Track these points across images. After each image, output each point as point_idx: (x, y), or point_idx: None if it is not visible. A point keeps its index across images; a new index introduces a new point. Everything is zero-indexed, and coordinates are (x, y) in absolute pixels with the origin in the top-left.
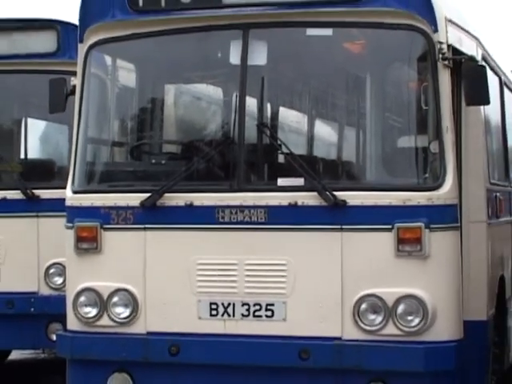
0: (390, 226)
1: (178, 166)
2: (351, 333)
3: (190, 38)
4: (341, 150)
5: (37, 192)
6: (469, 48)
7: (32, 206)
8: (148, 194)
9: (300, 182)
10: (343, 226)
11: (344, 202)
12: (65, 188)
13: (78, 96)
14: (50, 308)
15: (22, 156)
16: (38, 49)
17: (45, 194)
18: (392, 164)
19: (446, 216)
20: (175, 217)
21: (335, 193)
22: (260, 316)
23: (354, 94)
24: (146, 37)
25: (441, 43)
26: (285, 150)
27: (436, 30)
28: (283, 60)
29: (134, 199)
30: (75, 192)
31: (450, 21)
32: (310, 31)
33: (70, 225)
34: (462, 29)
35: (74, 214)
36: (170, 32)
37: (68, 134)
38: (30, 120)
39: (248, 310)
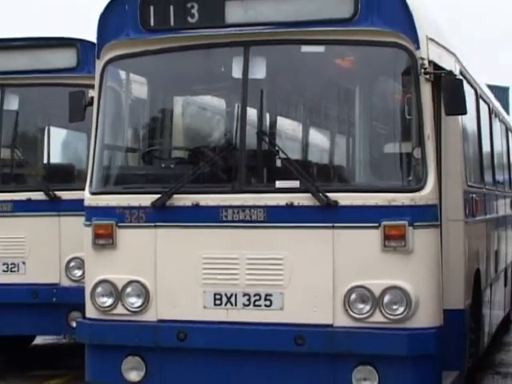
0: (377, 224)
1: (185, 169)
2: (342, 320)
3: (197, 54)
4: (332, 155)
5: (58, 193)
6: (448, 63)
7: (54, 206)
8: (158, 195)
9: (296, 184)
10: (335, 224)
11: (335, 202)
12: (83, 190)
13: (96, 107)
14: (70, 298)
15: (45, 161)
16: (59, 64)
17: (65, 195)
18: (379, 168)
19: (428, 215)
20: (183, 216)
21: (327, 194)
22: (259, 305)
23: (345, 104)
24: (157, 53)
25: (422, 59)
26: (282, 155)
27: (418, 48)
28: (280, 74)
29: (146, 200)
30: (93, 193)
31: (431, 39)
32: (305, 48)
33: (88, 223)
34: (442, 46)
35: (92, 213)
36: (178, 49)
37: (86, 141)
38: (52, 128)
39: (249, 300)
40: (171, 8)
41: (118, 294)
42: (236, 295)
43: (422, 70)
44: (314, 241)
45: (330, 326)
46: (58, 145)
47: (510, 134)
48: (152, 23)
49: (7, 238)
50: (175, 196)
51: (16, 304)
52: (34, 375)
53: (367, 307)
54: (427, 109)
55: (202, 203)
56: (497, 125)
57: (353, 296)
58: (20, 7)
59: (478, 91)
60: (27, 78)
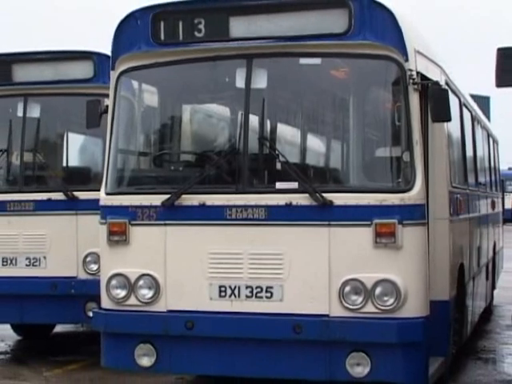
0: (369, 222)
1: (192, 172)
2: (337, 311)
3: (203, 66)
4: (328, 159)
5: (76, 194)
6: (434, 74)
7: (72, 206)
8: (168, 196)
9: (294, 185)
10: (330, 222)
11: (331, 202)
12: (99, 190)
13: (110, 114)
14: (87, 290)
15: (64, 164)
16: (77, 75)
17: (82, 195)
18: (371, 170)
19: (416, 214)
20: (190, 214)
21: (324, 194)
22: (261, 297)
23: (339, 112)
24: (167, 65)
25: (411, 70)
26: (281, 158)
27: (407, 60)
28: (280, 84)
29: (156, 200)
30: (108, 194)
31: (419, 52)
32: (303, 60)
33: (104, 221)
34: (429, 58)
35: (107, 212)
36: (186, 61)
37: (102, 146)
38: (70, 134)
39: (251, 292)
40: (180, 23)
41: (130, 287)
42: (239, 287)
43: (411, 81)
44: (311, 237)
45: (326, 315)
46: (75, 149)
47: (490, 139)
48: (162, 37)
49: (30, 234)
50: (183, 196)
51: (38, 295)
52: (54, 360)
53: (360, 299)
54: (415, 116)
55: (208, 203)
56: (479, 131)
57: (347, 288)
58: (42, 23)
59: (462, 100)
60: (48, 87)
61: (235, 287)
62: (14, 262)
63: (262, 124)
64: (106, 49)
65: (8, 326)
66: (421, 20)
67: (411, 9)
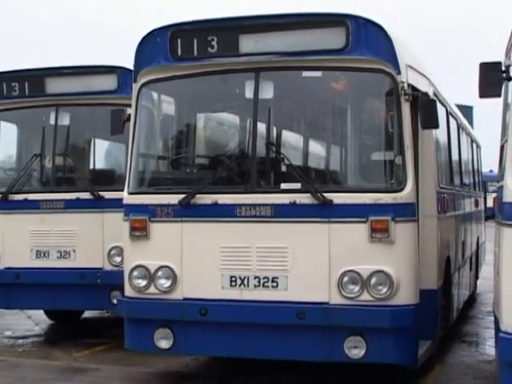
0: (365, 219)
1: (206, 174)
2: (336, 299)
3: (216, 79)
4: (328, 162)
5: (102, 193)
6: (423, 86)
7: (98, 204)
8: (184, 195)
9: (298, 186)
10: (330, 219)
11: (331, 201)
12: (122, 190)
13: (132, 122)
14: (111, 280)
15: (91, 167)
16: (103, 87)
17: (108, 195)
18: (367, 172)
19: (407, 211)
20: (204, 212)
21: (324, 194)
22: (268, 286)
23: (338, 120)
24: (183, 78)
25: (403, 83)
26: (286, 161)
27: (399, 73)
28: (285, 95)
29: (174, 199)
30: (130, 193)
31: (410, 66)
32: (305, 73)
33: (126, 218)
34: (418, 72)
35: (129, 210)
36: (200, 74)
37: (125, 151)
38: (97, 140)
39: (259, 281)
40: (195, 40)
41: (150, 277)
42: (248, 278)
43: (403, 92)
44: (313, 233)
45: (326, 303)
46: (101, 153)
47: (474, 144)
48: (179, 53)
49: (60, 230)
50: (198, 196)
51: (68, 284)
52: (82, 343)
53: (357, 288)
54: (407, 124)
55: (220, 202)
56: (463, 137)
57: (345, 278)
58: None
59: (448, 109)
60: (77, 98)
61: (244, 277)
62: (46, 254)
63: (268, 130)
64: (129, 64)
65: (42, 312)
66: (411, 36)
67: (401, 26)
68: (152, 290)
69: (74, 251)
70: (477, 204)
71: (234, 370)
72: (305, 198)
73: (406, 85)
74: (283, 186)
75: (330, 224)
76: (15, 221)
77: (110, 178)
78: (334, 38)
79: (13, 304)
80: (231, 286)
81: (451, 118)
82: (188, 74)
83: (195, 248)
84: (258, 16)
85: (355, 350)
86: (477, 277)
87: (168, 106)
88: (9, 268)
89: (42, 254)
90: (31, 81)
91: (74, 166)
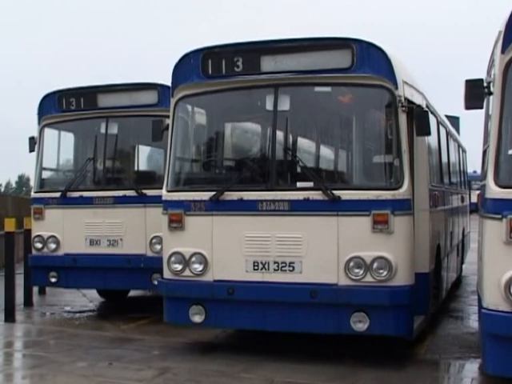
0: (368, 213)
1: (232, 174)
2: (343, 280)
3: (241, 93)
4: (336, 164)
5: (144, 191)
6: (417, 99)
7: (141, 200)
8: (214, 193)
9: (311, 184)
10: (338, 213)
11: (339, 197)
12: (162, 188)
13: (170, 131)
14: (153, 264)
15: (136, 168)
16: (145, 101)
17: (149, 192)
18: (369, 173)
19: (404, 206)
20: (231, 207)
21: (333, 191)
22: (285, 270)
23: (345, 128)
24: (213, 93)
25: (400, 96)
26: (301, 164)
27: (397, 88)
28: (300, 107)
29: (205, 196)
30: (168, 191)
31: (406, 82)
32: (317, 88)
33: (165, 212)
34: (413, 87)
35: (168, 205)
36: (228, 89)
37: (164, 155)
38: (140, 146)
39: (278, 266)
40: (223, 61)
41: (185, 262)
42: (269, 263)
43: (400, 104)
44: (323, 224)
45: (335, 284)
46: (144, 157)
47: (460, 149)
48: (210, 72)
49: (110, 222)
50: (226, 193)
51: (116, 268)
52: (128, 317)
53: (361, 271)
54: (403, 131)
55: (245, 198)
56: (451, 143)
57: (351, 263)
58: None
59: (439, 119)
60: (124, 111)
61: (265, 262)
62: (98, 242)
63: (285, 137)
64: (167, 80)
65: (95, 291)
66: (407, 54)
67: (397, 44)
68: (187, 273)
69: (122, 240)
70: (463, 200)
71: (255, 341)
72: (317, 195)
73: (402, 98)
74: (299, 184)
75: (338, 217)
76: (72, 214)
77: (151, 178)
78: (341, 59)
79: (71, 284)
80: (254, 269)
81: (441, 127)
82: (217, 90)
83: (223, 237)
84: (276, 40)
85: (360, 323)
86: (463, 262)
87: (200, 116)
88: (67, 254)
89: (95, 242)
90: (86, 96)
91: (122, 168)
